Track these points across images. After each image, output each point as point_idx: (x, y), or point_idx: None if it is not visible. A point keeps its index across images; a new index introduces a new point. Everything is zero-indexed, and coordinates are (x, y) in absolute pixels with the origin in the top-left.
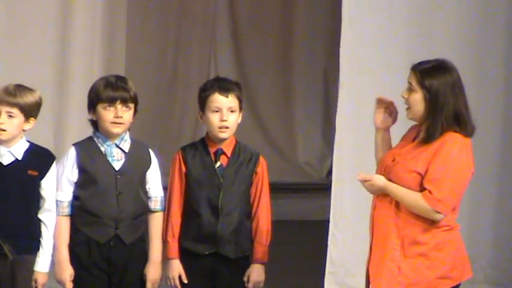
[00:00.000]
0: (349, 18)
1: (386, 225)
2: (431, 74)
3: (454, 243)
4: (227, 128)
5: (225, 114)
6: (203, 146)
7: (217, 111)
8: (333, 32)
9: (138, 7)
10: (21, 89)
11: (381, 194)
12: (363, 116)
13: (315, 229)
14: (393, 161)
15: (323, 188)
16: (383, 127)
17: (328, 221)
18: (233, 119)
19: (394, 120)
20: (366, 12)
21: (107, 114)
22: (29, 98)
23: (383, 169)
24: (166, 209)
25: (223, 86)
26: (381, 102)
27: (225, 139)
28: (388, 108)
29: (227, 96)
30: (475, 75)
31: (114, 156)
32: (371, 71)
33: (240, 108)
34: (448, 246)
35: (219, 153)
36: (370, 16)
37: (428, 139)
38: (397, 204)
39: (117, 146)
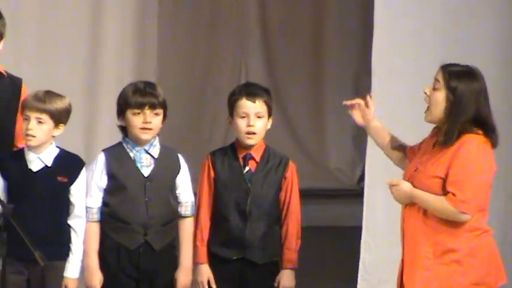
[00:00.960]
0: (381, 23)
1: (416, 234)
2: (459, 76)
3: (488, 248)
4: (254, 133)
5: (252, 119)
6: (232, 151)
7: (244, 117)
8: (364, 37)
9: (169, 13)
10: (50, 95)
11: (409, 204)
12: (395, 121)
13: (346, 235)
14: (416, 170)
15: (354, 194)
16: (367, 122)
17: (360, 227)
18: (260, 125)
19: (373, 110)
20: (398, 17)
21: (136, 120)
22: (58, 104)
23: (408, 179)
24: (196, 214)
25: (251, 91)
26: (351, 107)
27: (252, 145)
28: (361, 106)
29: (254, 102)
30: (509, 82)
31: (143, 162)
32: (403, 76)
33: (269, 114)
34: (481, 252)
35: (247, 158)
36: (402, 21)
37: (446, 142)
38: (425, 213)
39: (147, 152)
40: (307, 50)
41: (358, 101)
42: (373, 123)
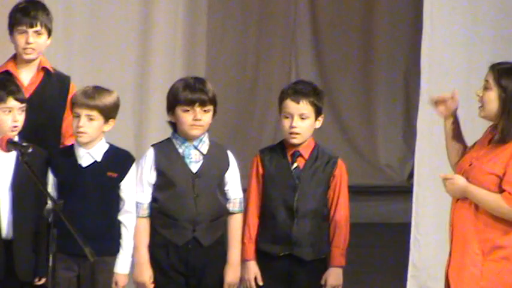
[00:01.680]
0: (430, 20)
1: (466, 229)
2: (509, 74)
3: None
4: (297, 134)
5: (295, 120)
6: (281, 148)
7: (288, 117)
8: (414, 34)
9: (218, 9)
10: (99, 90)
11: (460, 198)
12: None
13: (396, 232)
14: (470, 165)
15: (404, 191)
16: (448, 113)
17: (409, 224)
18: (304, 126)
19: (457, 104)
20: (449, 14)
21: (186, 116)
22: (107, 100)
23: (461, 174)
24: (244, 211)
25: (296, 91)
26: (436, 102)
27: (296, 144)
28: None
29: (298, 103)
30: None
31: (191, 158)
32: (453, 74)
33: (317, 114)
34: None
35: (296, 155)
36: (452, 18)
37: (503, 139)
38: (476, 208)
39: (195, 148)
40: (357, 46)
41: (445, 95)
42: (456, 121)
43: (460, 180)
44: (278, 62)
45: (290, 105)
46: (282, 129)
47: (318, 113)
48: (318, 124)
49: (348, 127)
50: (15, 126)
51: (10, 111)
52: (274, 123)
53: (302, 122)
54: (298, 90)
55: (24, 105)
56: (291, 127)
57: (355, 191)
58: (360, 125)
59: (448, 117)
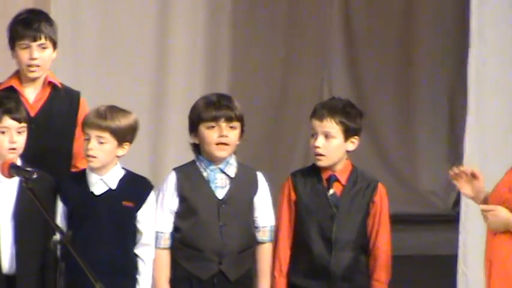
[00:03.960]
0: (478, 33)
1: (508, 265)
2: None
3: None
4: (321, 155)
5: (319, 140)
6: (315, 172)
7: (313, 136)
8: (460, 49)
9: (243, 21)
10: (113, 110)
11: (498, 232)
12: (494, 142)
13: (441, 265)
14: (510, 192)
15: (450, 220)
16: (476, 195)
17: (456, 257)
18: (330, 146)
19: (482, 181)
20: (498, 26)
21: (211, 134)
22: (121, 121)
23: (501, 202)
24: (274, 241)
25: (323, 108)
26: (457, 175)
27: (331, 168)
28: (467, 175)
29: (321, 121)
30: None
31: (217, 183)
32: (504, 92)
33: (347, 134)
34: None
35: (332, 180)
36: (502, 30)
37: None
38: None
39: (222, 171)
40: (396, 61)
41: (465, 169)
42: (483, 196)
43: (503, 212)
44: (309, 78)
45: (314, 123)
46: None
47: (348, 133)
48: (351, 146)
49: (385, 149)
50: (13, 149)
51: (6, 131)
52: (305, 143)
53: (327, 142)
54: (326, 107)
55: (23, 125)
56: (314, 147)
57: (395, 220)
58: (400, 147)
59: (477, 198)
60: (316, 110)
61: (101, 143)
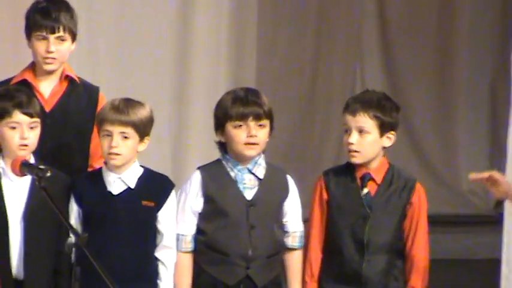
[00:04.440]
0: None
1: None
2: None
3: None
4: (355, 151)
5: (352, 136)
6: (349, 170)
7: (346, 132)
8: (502, 38)
9: (270, 10)
10: (131, 103)
11: None
12: None
13: (483, 269)
14: None
15: (492, 221)
16: (505, 195)
17: (499, 260)
18: (364, 142)
19: (505, 182)
20: None
21: (238, 133)
22: (142, 114)
23: None
24: (305, 244)
25: (356, 102)
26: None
27: (366, 165)
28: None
29: (355, 115)
30: None
31: (245, 184)
32: None
33: (383, 129)
34: None
35: (366, 178)
36: None
37: None
38: None
39: (250, 172)
40: (434, 52)
41: (481, 176)
42: None
43: None
44: (340, 71)
45: (347, 118)
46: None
47: (383, 128)
48: (387, 142)
49: (423, 146)
50: (25, 145)
51: (17, 126)
52: (337, 141)
53: (361, 138)
54: (359, 100)
55: (35, 120)
56: (348, 143)
57: (433, 221)
58: (438, 144)
59: (509, 197)
60: (348, 104)
61: (125, 138)
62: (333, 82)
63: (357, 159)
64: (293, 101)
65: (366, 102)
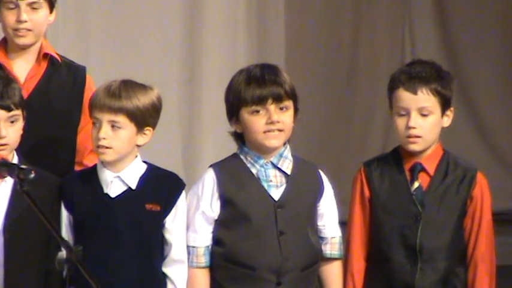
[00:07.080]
0: None
1: None
2: None
3: None
4: (417, 137)
5: (413, 118)
6: (395, 160)
7: (404, 114)
8: None
9: None
10: (129, 86)
11: None
12: None
13: None
14: None
15: None
16: None
17: None
18: (427, 125)
19: None
20: None
21: (256, 120)
22: (140, 99)
23: None
24: (345, 251)
25: (412, 75)
26: None
27: (417, 152)
28: None
29: (416, 93)
30: None
31: (271, 181)
32: None
33: (444, 107)
34: None
35: (417, 169)
36: None
37: None
38: None
39: (275, 167)
40: (498, 17)
41: None
42: None
43: None
44: (386, 44)
45: (404, 96)
46: (397, 131)
47: (445, 105)
48: (447, 122)
49: (488, 130)
50: (2, 145)
51: None
52: (383, 126)
53: (423, 120)
54: (415, 74)
55: (14, 113)
56: (408, 127)
57: (502, 220)
58: (506, 127)
59: None
60: (401, 79)
61: (116, 128)
62: (376, 58)
63: (418, 146)
64: (329, 83)
65: (425, 74)
